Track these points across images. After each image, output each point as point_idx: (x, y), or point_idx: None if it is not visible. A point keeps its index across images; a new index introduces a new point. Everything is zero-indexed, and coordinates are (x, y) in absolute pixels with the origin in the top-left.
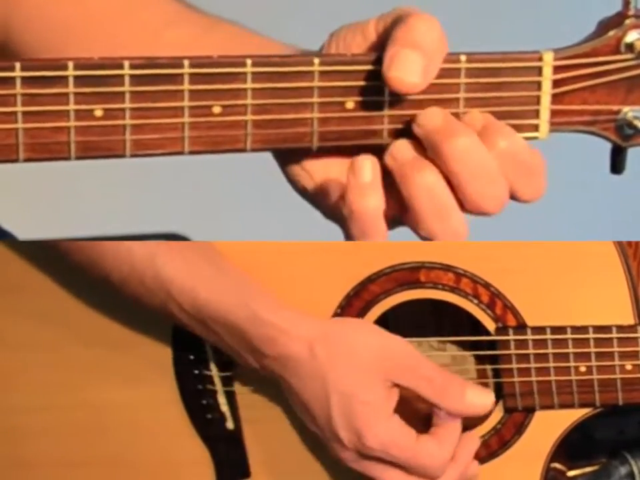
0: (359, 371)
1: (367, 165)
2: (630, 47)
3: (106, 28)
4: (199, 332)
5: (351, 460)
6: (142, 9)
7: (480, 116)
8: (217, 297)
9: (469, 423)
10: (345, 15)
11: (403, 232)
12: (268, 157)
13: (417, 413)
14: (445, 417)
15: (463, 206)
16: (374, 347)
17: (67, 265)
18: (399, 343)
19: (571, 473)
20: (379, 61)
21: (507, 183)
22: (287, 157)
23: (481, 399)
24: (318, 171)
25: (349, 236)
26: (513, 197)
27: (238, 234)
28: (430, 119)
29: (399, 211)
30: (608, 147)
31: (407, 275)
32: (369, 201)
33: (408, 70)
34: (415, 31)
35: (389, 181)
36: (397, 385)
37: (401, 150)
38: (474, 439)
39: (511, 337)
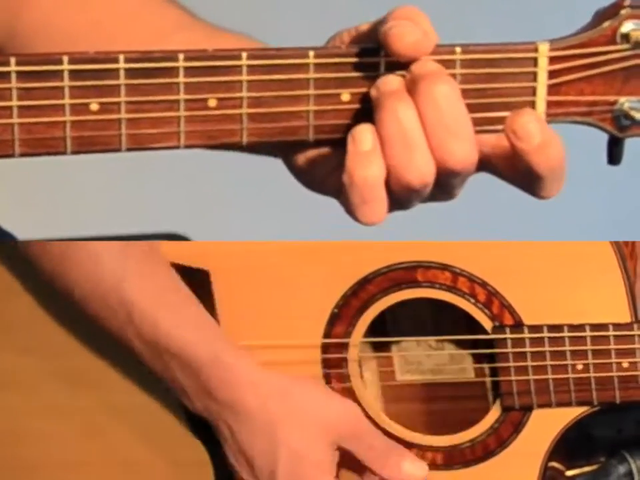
0: (311, 432)
1: (367, 134)
2: (626, 37)
3: (113, 33)
4: (150, 364)
5: None
6: (150, 14)
7: (538, 128)
8: (180, 330)
9: (467, 425)
10: (345, 15)
11: (402, 231)
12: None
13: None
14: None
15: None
16: (326, 411)
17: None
18: (350, 408)
19: (570, 473)
20: (374, 52)
21: (475, 143)
22: (289, 146)
23: (417, 471)
24: (319, 151)
25: (347, 205)
26: (539, 196)
27: (237, 234)
28: (422, 65)
29: None
30: (605, 139)
31: (404, 274)
32: (370, 169)
33: (407, 31)
34: (405, 10)
35: None
36: (341, 448)
37: (387, 82)
38: None
39: (508, 335)
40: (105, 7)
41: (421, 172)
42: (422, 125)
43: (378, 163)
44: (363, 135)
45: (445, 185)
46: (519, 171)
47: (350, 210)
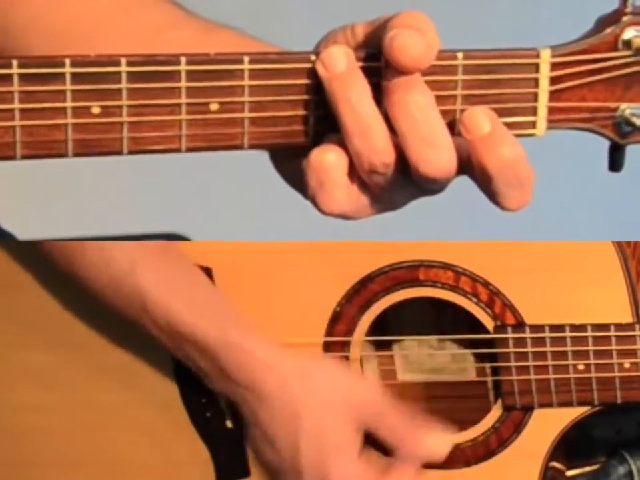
0: (332, 412)
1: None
2: (628, 44)
3: (107, 30)
4: (171, 349)
5: None
6: (144, 11)
7: (487, 119)
8: (192, 316)
9: (468, 424)
10: (345, 15)
11: (404, 231)
12: (268, 157)
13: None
14: (403, 459)
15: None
16: (348, 389)
17: (50, 267)
18: (370, 387)
19: (570, 473)
20: (373, 58)
21: (453, 151)
22: (283, 155)
23: (440, 446)
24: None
25: (308, 192)
26: (499, 205)
27: (238, 234)
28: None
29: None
30: (606, 145)
31: (406, 273)
32: (328, 153)
33: (411, 43)
34: (411, 17)
35: None
36: (363, 428)
37: (334, 62)
38: None
39: (510, 335)
40: (97, 2)
41: (378, 152)
42: (395, 130)
43: (336, 151)
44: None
45: (426, 189)
46: (475, 171)
47: (310, 195)
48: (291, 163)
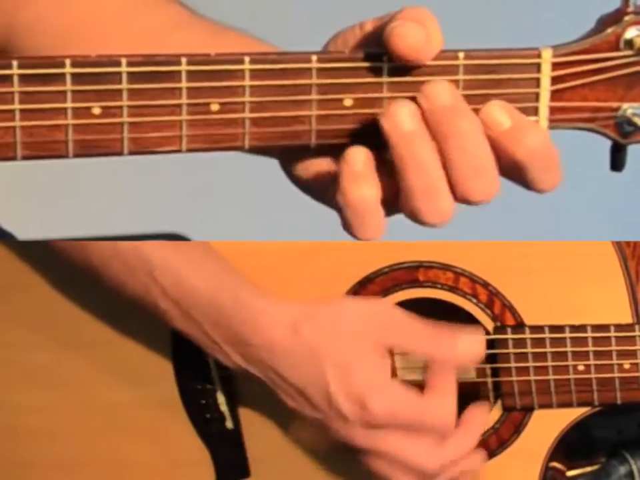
0: (350, 340)
1: (359, 154)
2: (629, 44)
3: (112, 32)
4: (180, 325)
5: (358, 437)
6: (150, 12)
7: (505, 113)
8: (200, 280)
9: None
10: (344, 16)
11: (402, 231)
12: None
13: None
14: (440, 369)
15: (453, 191)
16: (359, 314)
17: (50, 252)
18: (384, 305)
19: (570, 473)
20: (377, 57)
21: (497, 175)
22: (289, 154)
23: (472, 346)
24: (319, 163)
25: (344, 223)
26: (535, 189)
27: (238, 234)
28: (438, 95)
29: (395, 197)
30: (607, 145)
31: (406, 274)
32: (363, 189)
33: (410, 32)
34: (415, 11)
35: (385, 169)
36: (389, 350)
37: (403, 121)
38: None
39: (510, 336)
40: (102, 4)
41: (443, 214)
42: (444, 164)
43: (371, 183)
44: (355, 155)
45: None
46: (503, 164)
47: (346, 227)
48: (299, 164)
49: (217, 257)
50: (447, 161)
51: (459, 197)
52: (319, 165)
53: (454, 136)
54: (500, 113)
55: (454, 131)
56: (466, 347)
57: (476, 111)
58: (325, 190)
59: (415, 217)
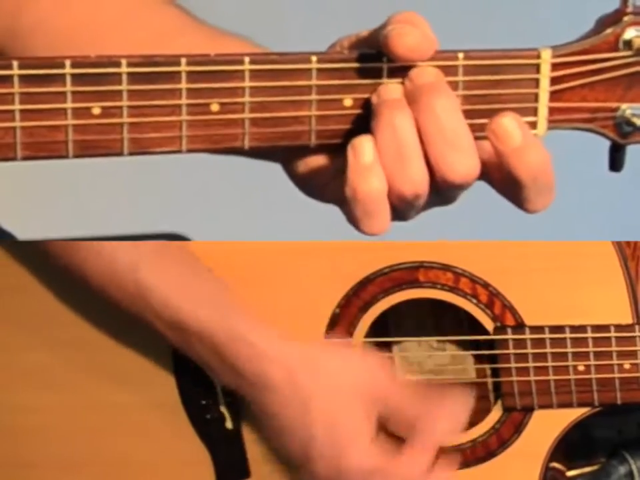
0: (342, 399)
1: (367, 144)
2: (628, 44)
3: (114, 35)
4: (177, 345)
5: None
6: (150, 14)
7: (518, 129)
8: (196, 310)
9: (469, 425)
10: (344, 17)
11: (402, 231)
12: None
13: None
14: (423, 430)
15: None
16: (355, 375)
17: (49, 266)
18: (377, 369)
19: (570, 473)
20: (376, 58)
21: (476, 154)
22: (289, 154)
23: (459, 411)
24: (319, 159)
25: (351, 217)
26: (525, 209)
27: (238, 234)
28: (421, 74)
29: None
30: (606, 145)
31: (406, 274)
32: (372, 182)
33: (406, 33)
34: (405, 15)
35: None
36: (375, 412)
37: (388, 90)
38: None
39: (510, 336)
40: (103, 5)
41: (414, 183)
42: (420, 137)
43: (379, 175)
44: (364, 146)
45: (445, 196)
46: (502, 177)
47: (353, 221)
48: (300, 162)
49: (212, 280)
50: (424, 135)
51: (438, 176)
52: (319, 161)
53: (432, 110)
54: (513, 128)
55: (432, 105)
56: (444, 431)
57: (483, 116)
58: (325, 186)
59: (389, 184)
